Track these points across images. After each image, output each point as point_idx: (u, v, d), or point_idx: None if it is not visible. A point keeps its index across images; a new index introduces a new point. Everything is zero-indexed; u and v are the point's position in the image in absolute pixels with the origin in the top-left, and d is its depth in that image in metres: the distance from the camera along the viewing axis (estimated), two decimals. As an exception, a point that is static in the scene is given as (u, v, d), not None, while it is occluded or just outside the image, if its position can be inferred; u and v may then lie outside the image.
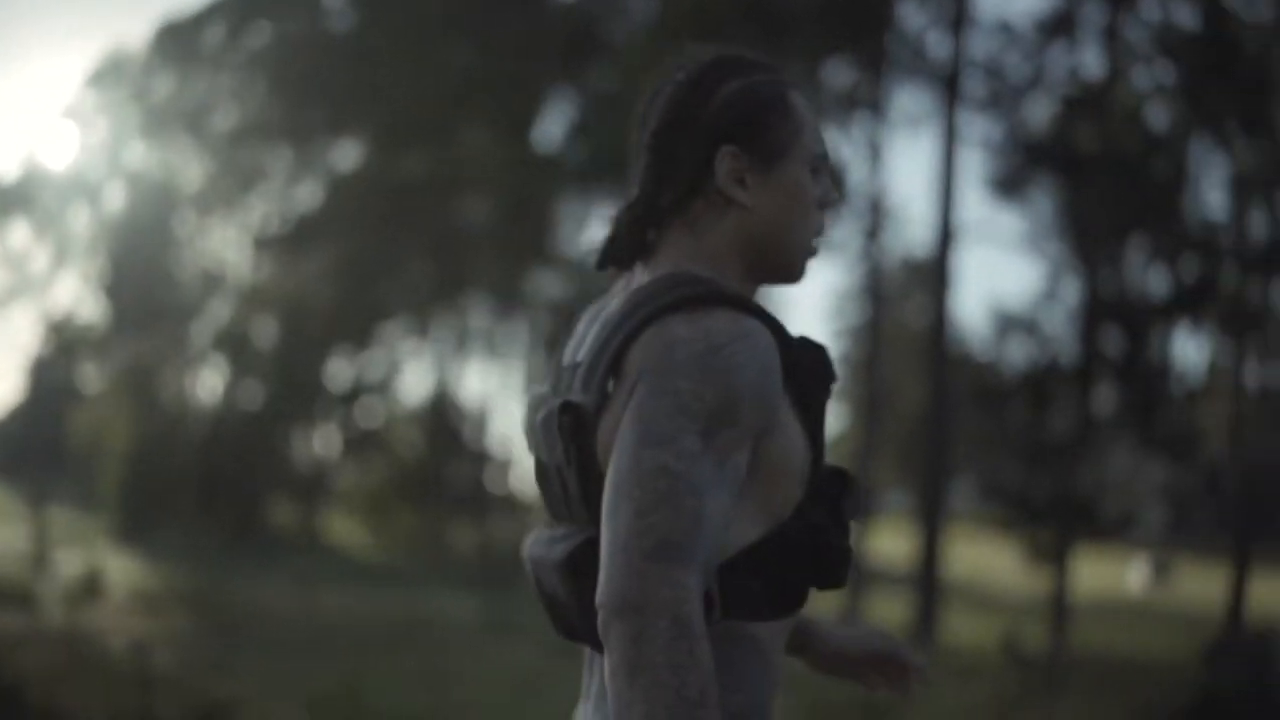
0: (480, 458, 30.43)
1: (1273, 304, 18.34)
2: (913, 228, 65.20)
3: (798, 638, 1.97)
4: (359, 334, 29.74)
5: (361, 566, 24.57)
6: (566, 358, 1.80)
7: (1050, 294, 18.95)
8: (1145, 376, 18.11)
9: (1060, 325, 18.72)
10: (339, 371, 31.30)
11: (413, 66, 23.22)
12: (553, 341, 27.36)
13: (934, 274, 19.18)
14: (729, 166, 1.72)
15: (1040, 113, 19.61)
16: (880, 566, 24.39)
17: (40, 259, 24.98)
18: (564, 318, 26.16)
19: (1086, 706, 11.33)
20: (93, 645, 11.16)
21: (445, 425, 30.38)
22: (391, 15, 24.14)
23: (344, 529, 31.47)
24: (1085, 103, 18.56)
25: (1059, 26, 18.71)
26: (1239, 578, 15.83)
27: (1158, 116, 19.43)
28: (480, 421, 30.94)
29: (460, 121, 24.17)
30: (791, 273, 1.79)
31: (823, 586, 1.66)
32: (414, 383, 51.49)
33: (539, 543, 1.74)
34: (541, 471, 1.77)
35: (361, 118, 25.38)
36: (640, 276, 1.74)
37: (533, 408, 1.80)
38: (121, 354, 27.23)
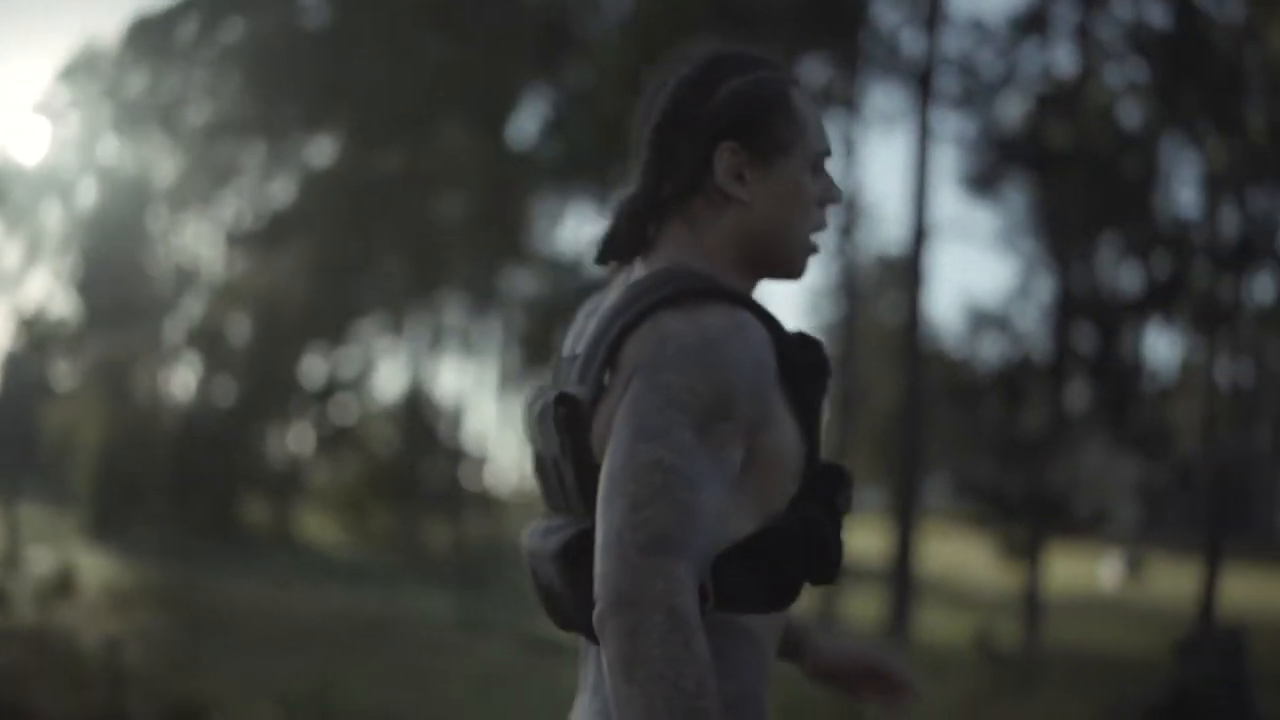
0: (455, 455, 30.36)
1: (1244, 301, 18.45)
2: (887, 225, 65.31)
3: (790, 642, 1.97)
4: (333, 331, 29.65)
5: (335, 564, 24.51)
6: (566, 350, 1.82)
7: (1023, 291, 19.04)
8: (1118, 373, 18.21)
9: (1033, 322, 18.81)
10: (313, 368, 31.21)
11: (387, 62, 23.16)
12: (528, 339, 27.36)
13: (908, 271, 19.23)
14: (728, 163, 1.72)
15: (1013, 110, 19.70)
16: (854, 563, 24.39)
17: (12, 255, 24.84)
18: (539, 315, 26.16)
19: (1060, 702, 11.38)
20: (64, 643, 11.09)
21: (420, 422, 30.29)
22: (366, 11, 24.07)
23: (318, 526, 31.36)
24: (1058, 100, 18.64)
25: (1032, 24, 18.79)
26: (1211, 574, 15.92)
27: (1130, 114, 19.54)
28: (455, 419, 30.89)
29: (435, 118, 24.10)
30: (792, 269, 1.80)
31: (816, 581, 1.67)
32: (388, 380, 51.38)
33: (535, 534, 1.75)
34: (539, 463, 1.78)
35: (336, 114, 25.31)
36: (639, 270, 1.75)
37: (532, 399, 1.81)
38: (94, 350, 27.08)
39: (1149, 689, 8.92)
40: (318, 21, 25.92)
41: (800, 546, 1.64)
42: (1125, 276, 20.05)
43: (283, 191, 28.04)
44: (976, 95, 19.25)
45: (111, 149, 26.63)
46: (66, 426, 28.49)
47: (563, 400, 1.66)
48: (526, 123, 25.89)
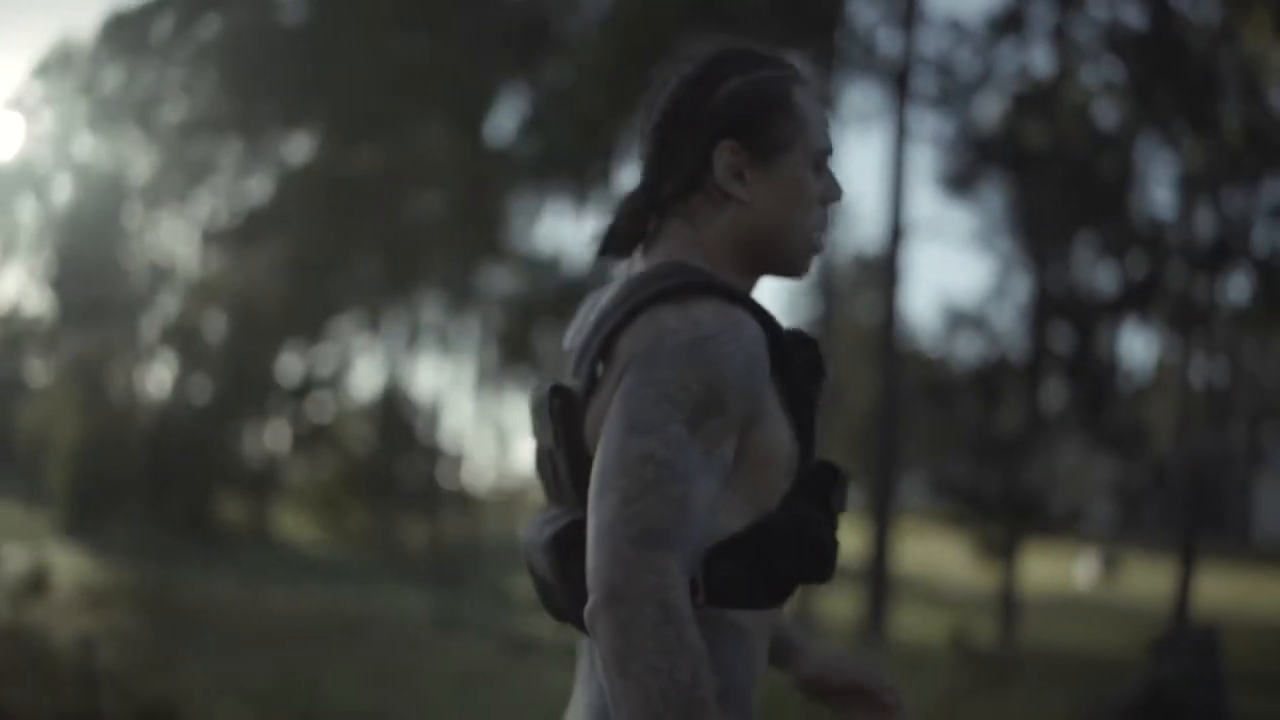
0: (432, 453, 30.28)
1: (1219, 301, 18.54)
2: (863, 224, 65.59)
3: (780, 647, 1.97)
4: (310, 328, 29.57)
5: (312, 562, 24.44)
6: (567, 343, 1.83)
7: (1000, 290, 19.12)
8: (1094, 373, 18.29)
9: (1010, 321, 18.88)
10: (289, 366, 31.12)
11: (364, 59, 23.09)
12: (505, 337, 27.33)
13: (884, 270, 19.26)
14: (727, 161, 1.73)
15: (990, 110, 19.75)
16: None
17: (-14, 252, 24.74)
18: (516, 313, 26.14)
19: (1035, 700, 11.41)
20: (38, 642, 11.03)
21: (397, 421, 30.24)
22: (342, 8, 24.00)
23: (294, 524, 31.28)
24: (1035, 100, 18.71)
25: (1009, 24, 18.84)
26: (1185, 572, 16.00)
27: (1106, 114, 19.61)
28: (432, 417, 30.81)
29: (412, 115, 24.05)
30: (793, 268, 1.80)
31: (808, 579, 1.68)
32: (365, 378, 51.22)
33: (532, 525, 1.77)
34: (538, 455, 1.80)
35: (312, 111, 25.22)
36: (638, 266, 1.76)
37: (533, 392, 1.82)
38: (69, 347, 26.97)
39: (1124, 687, 8.96)
40: (294, 18, 25.82)
41: (793, 544, 1.65)
42: (1101, 276, 20.12)
43: (259, 189, 27.93)
44: (953, 95, 19.30)
45: (87, 146, 26.50)
46: (41, 424, 28.34)
47: (556, 392, 1.67)
48: (504, 120, 25.86)
